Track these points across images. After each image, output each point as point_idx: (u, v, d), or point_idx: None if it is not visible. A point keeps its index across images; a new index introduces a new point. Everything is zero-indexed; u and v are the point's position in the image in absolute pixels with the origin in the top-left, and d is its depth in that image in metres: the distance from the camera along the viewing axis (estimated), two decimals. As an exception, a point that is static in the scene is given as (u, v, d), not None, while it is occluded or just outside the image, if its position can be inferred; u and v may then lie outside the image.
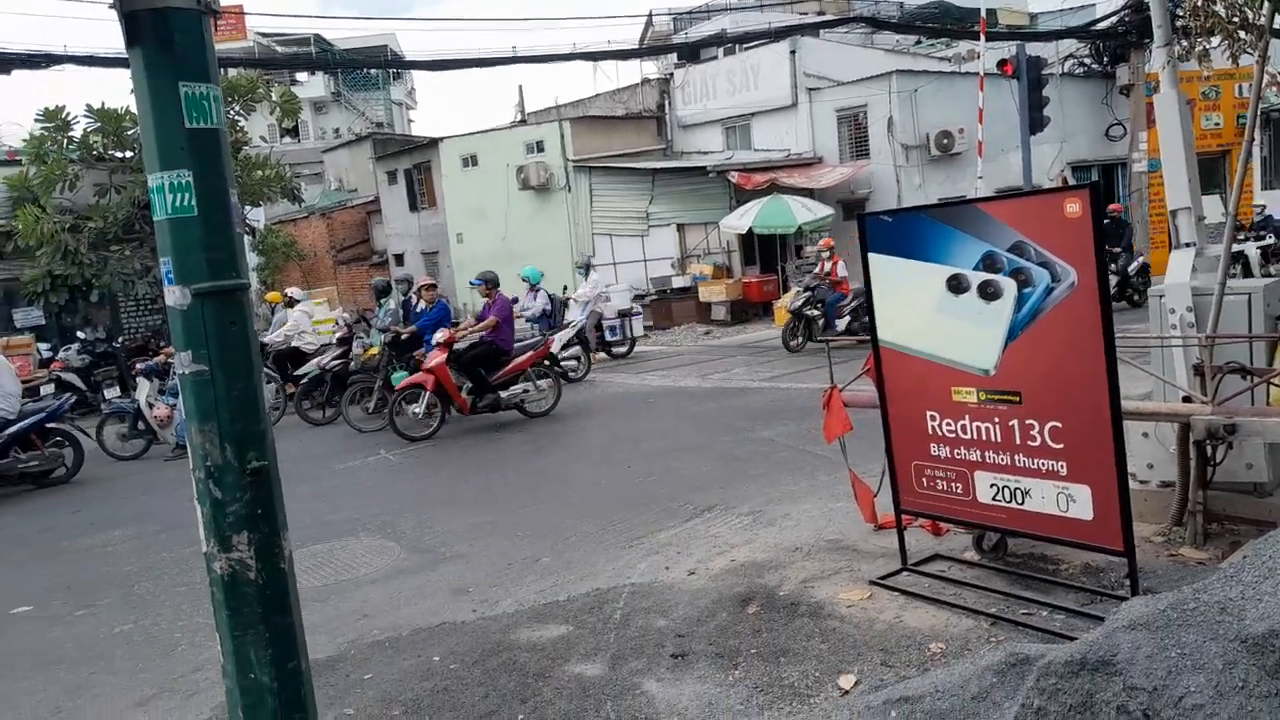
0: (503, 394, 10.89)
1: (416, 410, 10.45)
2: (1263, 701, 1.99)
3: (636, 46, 26.90)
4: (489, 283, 11.24)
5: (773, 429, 9.13)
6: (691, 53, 26.02)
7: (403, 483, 8.70)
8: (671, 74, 25.97)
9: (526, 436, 10.28)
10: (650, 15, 32.16)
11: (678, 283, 21.42)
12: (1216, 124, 22.11)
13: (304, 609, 2.62)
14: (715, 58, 25.57)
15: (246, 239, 25.59)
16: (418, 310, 12.09)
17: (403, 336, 11.67)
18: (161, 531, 7.68)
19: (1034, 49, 17.57)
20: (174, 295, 2.12)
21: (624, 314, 16.85)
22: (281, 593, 2.22)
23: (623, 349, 16.77)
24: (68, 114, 19.53)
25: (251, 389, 2.18)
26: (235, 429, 2.13)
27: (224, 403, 2.12)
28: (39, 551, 7.59)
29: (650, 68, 28.35)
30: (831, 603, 4.62)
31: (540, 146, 23.56)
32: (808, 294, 15.05)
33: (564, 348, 14.00)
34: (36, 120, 19.41)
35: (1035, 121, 15.71)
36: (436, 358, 10.49)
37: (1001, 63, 16.10)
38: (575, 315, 15.38)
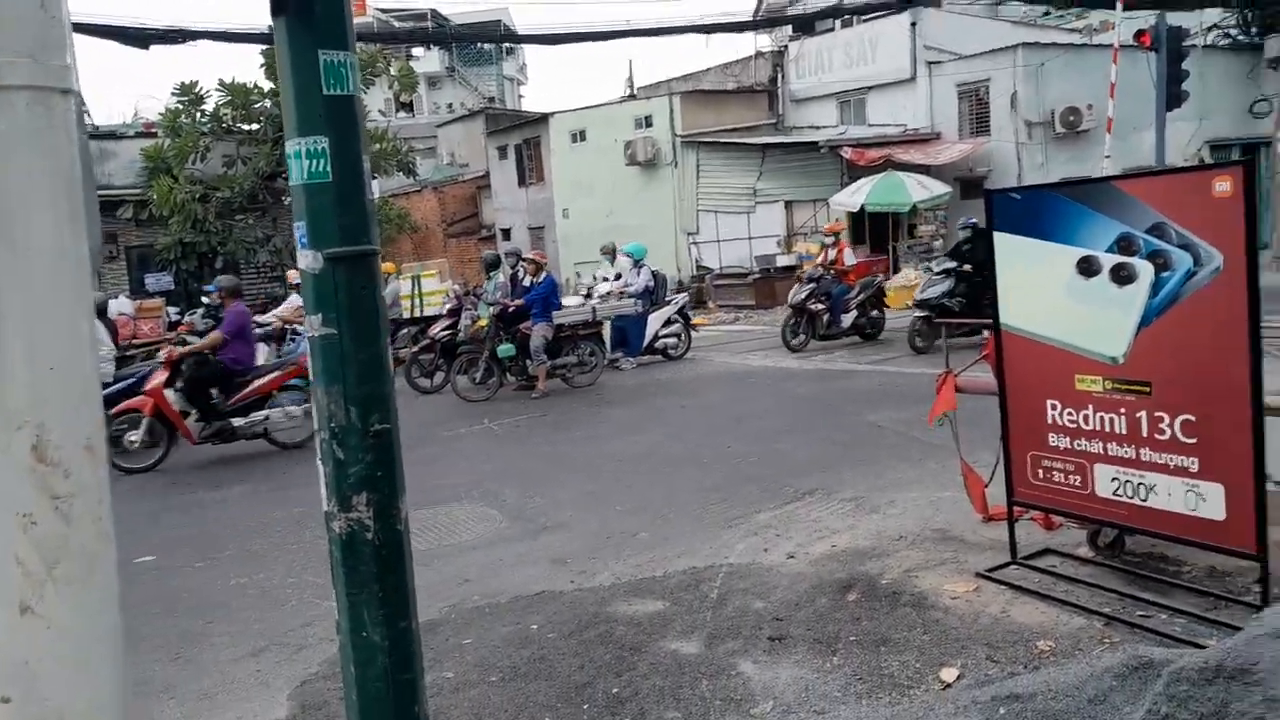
0: (238, 421, 9.36)
1: (133, 439, 8.91)
2: None
3: (751, 19, 26.54)
4: (225, 290, 9.85)
5: (879, 413, 8.94)
6: (807, 25, 25.51)
7: (506, 452, 8.87)
8: (786, 47, 25.56)
9: (628, 412, 10.34)
10: (764, -14, 31.66)
11: (782, 261, 21.16)
12: (1377, 101, 20.55)
13: (411, 571, 2.68)
14: (831, 29, 25.01)
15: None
16: (525, 284, 12.26)
17: (510, 310, 11.86)
18: (275, 490, 8.02)
19: (1175, 19, 16.57)
20: (307, 259, 2.17)
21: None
22: (397, 553, 2.28)
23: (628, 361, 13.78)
24: (201, 88, 20.45)
25: (378, 352, 2.22)
26: (361, 391, 2.18)
27: (351, 365, 2.17)
28: (165, 504, 8.03)
29: (764, 40, 27.97)
30: (935, 593, 4.50)
31: (649, 121, 23.54)
32: (811, 286, 13.82)
33: (665, 325, 14.02)
34: (172, 94, 20.41)
35: (1173, 97, 14.86)
36: (156, 379, 9.19)
37: (1139, 33, 15.26)
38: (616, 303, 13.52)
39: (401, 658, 2.31)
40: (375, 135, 23.35)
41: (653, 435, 9.06)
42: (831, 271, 14.10)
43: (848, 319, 13.94)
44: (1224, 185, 3.55)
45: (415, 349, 13.37)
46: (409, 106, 42.73)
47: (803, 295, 13.80)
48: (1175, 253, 3.73)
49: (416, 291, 15.87)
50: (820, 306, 13.80)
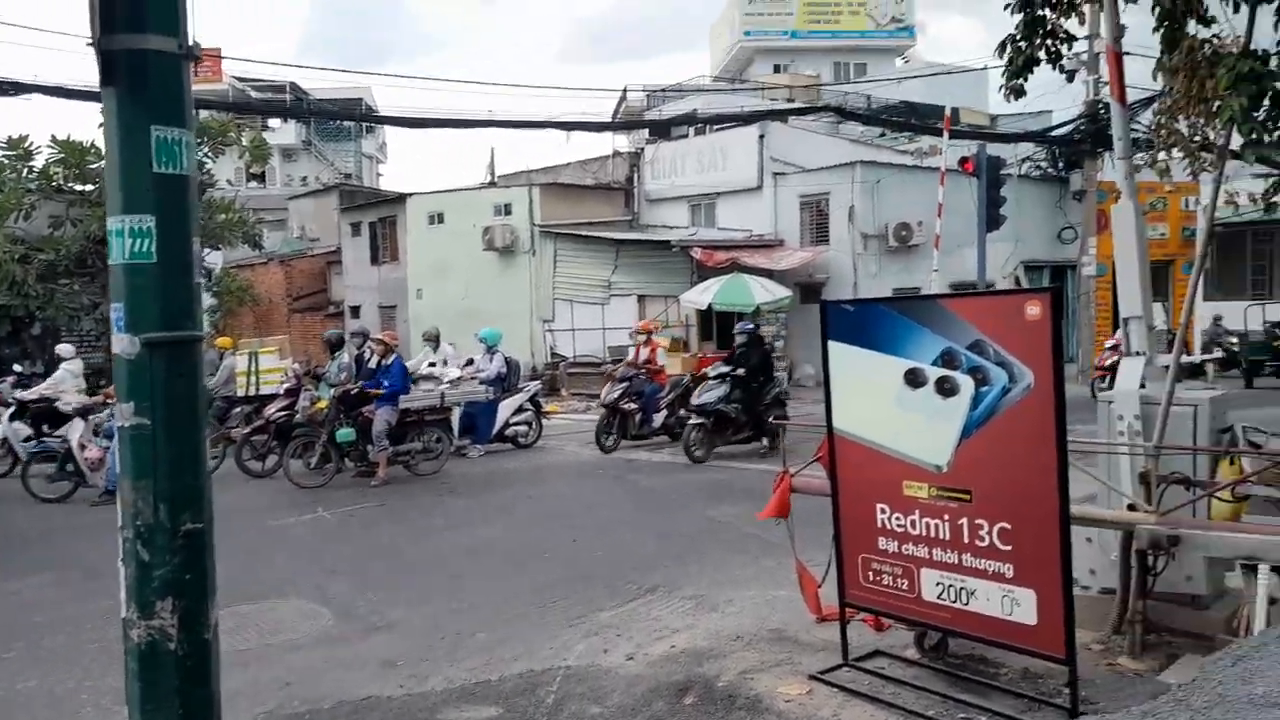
0: None
1: None
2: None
3: (610, 120, 27.39)
4: None
5: (721, 509, 9.07)
6: (663, 130, 26.57)
7: (339, 544, 8.45)
8: (642, 149, 26.46)
9: (472, 503, 10.10)
10: (625, 90, 32.89)
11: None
12: (1162, 235, 23.05)
13: (223, 673, 2.48)
14: (685, 136, 26.13)
15: (201, 282, 25.35)
16: (370, 365, 11.91)
17: (353, 392, 11.47)
18: (79, 581, 7.34)
19: (994, 149, 18.20)
20: (121, 343, 2.04)
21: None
22: (202, 664, 2.11)
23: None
24: (31, 144, 19.30)
25: (194, 446, 2.09)
26: (172, 487, 2.04)
27: (163, 459, 2.03)
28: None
29: (621, 141, 28.87)
30: (770, 696, 4.52)
31: (508, 209, 23.73)
32: (624, 385, 13.33)
33: (516, 412, 13.89)
34: (-1, 148, 19.15)
35: (992, 219, 16.16)
36: None
37: (962, 160, 16.63)
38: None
39: (201, 780, 2.12)
40: (221, 205, 22.54)
41: (496, 528, 8.86)
42: (644, 371, 13.72)
43: (659, 418, 13.55)
44: (1034, 309, 3.85)
45: (248, 430, 12.70)
46: (261, 177, 41.61)
47: (615, 395, 13.29)
48: (993, 369, 3.99)
49: (253, 368, 15.14)
50: (633, 406, 13.36)
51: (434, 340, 14.87)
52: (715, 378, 12.61)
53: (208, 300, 26.73)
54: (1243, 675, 2.37)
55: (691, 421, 12.24)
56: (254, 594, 6.69)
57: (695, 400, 12.55)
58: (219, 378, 14.47)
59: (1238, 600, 4.87)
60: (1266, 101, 4.82)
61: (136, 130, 2.02)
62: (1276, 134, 4.90)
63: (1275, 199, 5.57)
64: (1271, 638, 2.63)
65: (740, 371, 12.31)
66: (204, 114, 23.40)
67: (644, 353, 14.03)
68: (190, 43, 2.04)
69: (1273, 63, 4.87)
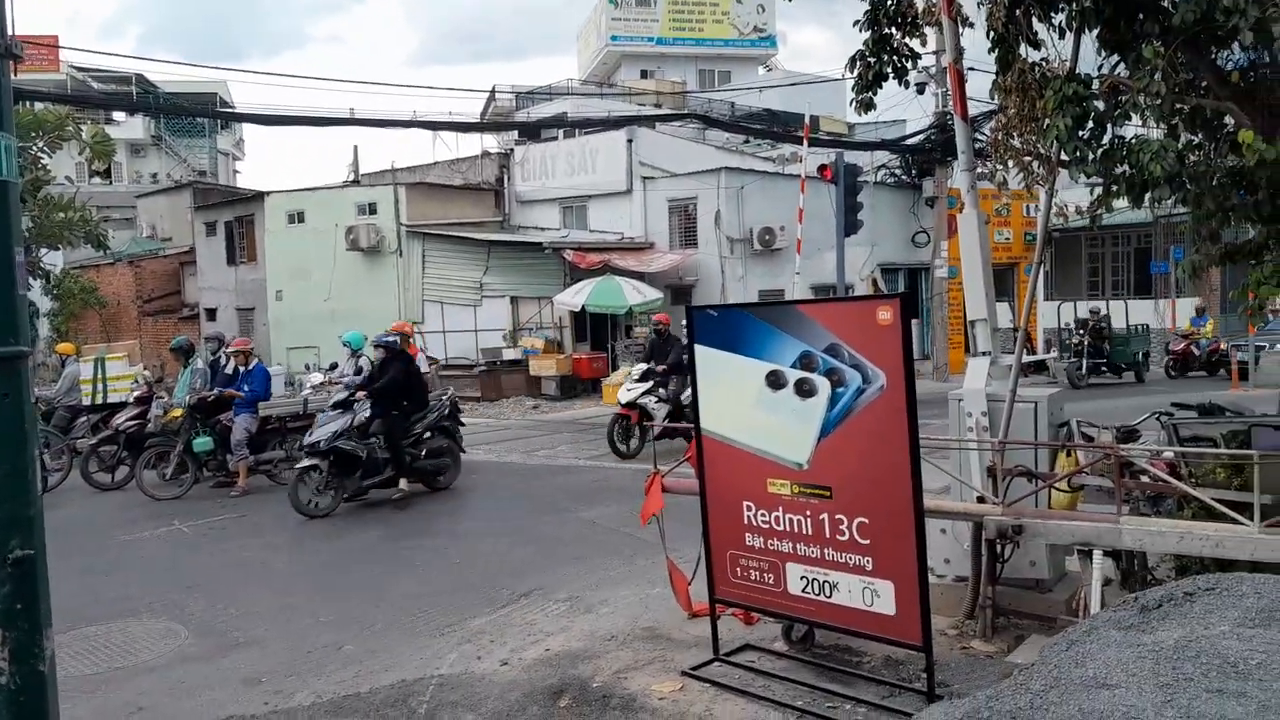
0: None
1: None
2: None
3: (478, 120, 27.08)
4: None
5: (595, 510, 9.10)
6: (532, 131, 26.46)
7: (196, 558, 8.06)
8: (512, 150, 26.27)
9: (336, 513, 9.79)
10: (493, 90, 32.60)
11: (508, 355, 21.31)
12: (1006, 239, 24.44)
13: (68, 701, 2.35)
14: (555, 138, 26.09)
15: (38, 284, 23.66)
16: (227, 372, 11.39)
17: (209, 399, 10.96)
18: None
19: (851, 157, 18.88)
20: (-63, 360, 1.89)
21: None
22: (38, 701, 1.97)
23: None
24: None
25: (22, 467, 1.96)
26: (-1, 513, 1.90)
27: (-14, 483, 1.89)
28: None
29: (491, 141, 28.58)
30: (644, 694, 4.57)
31: (373, 209, 23.11)
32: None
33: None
34: None
35: (850, 224, 16.76)
36: None
37: (821, 167, 17.18)
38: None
39: (37, 822, 1.98)
40: (59, 203, 21.15)
41: (363, 536, 8.63)
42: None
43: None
44: (885, 314, 4.03)
45: (95, 440, 11.96)
46: (106, 173, 39.20)
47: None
48: (848, 371, 4.16)
49: (100, 375, 14.25)
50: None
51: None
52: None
53: (47, 304, 25.02)
54: (1076, 659, 2.55)
55: (301, 465, 9.54)
56: (103, 615, 6.33)
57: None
58: (61, 386, 13.57)
59: (1076, 583, 5.23)
60: (1090, 122, 5.19)
61: (-48, 133, 1.88)
62: (1099, 151, 5.28)
63: (1098, 212, 6.00)
64: (1100, 621, 2.84)
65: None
66: (39, 106, 21.89)
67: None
68: (10, 38, 1.91)
69: (1095, 85, 5.25)
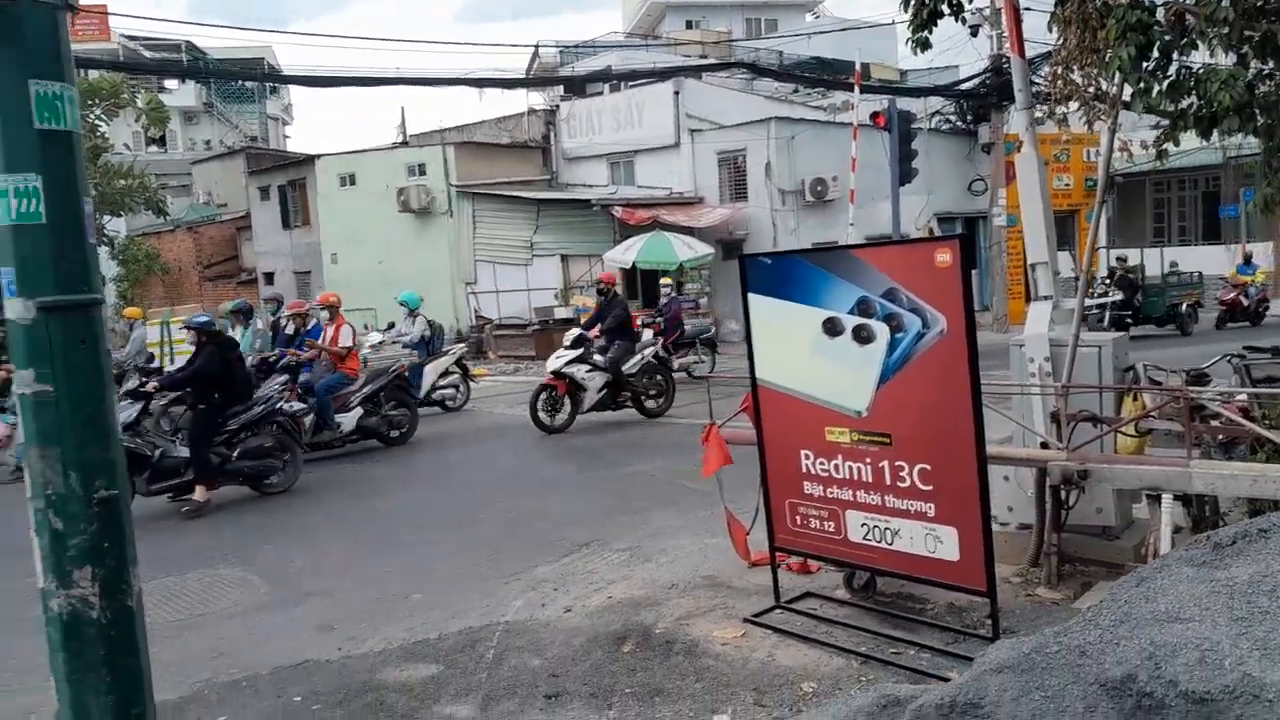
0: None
1: None
2: (1120, 743, 2.07)
3: (523, 76, 26.95)
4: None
5: (652, 463, 9.15)
6: (577, 86, 26.25)
7: (267, 513, 8.28)
8: (557, 106, 26.10)
9: (398, 468, 9.99)
10: (537, 46, 32.38)
11: (560, 313, 21.39)
12: (1066, 185, 23.76)
13: (154, 645, 2.43)
14: (601, 93, 25.85)
15: (104, 250, 24.27)
16: (288, 332, 11.61)
17: (271, 360, 11.19)
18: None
19: (904, 104, 18.44)
20: (15, 308, 1.95)
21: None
22: (128, 633, 2.05)
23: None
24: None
25: (102, 412, 2.01)
26: (82, 455, 1.96)
27: (69, 426, 1.95)
28: None
29: (536, 98, 28.44)
30: (706, 640, 4.61)
31: (422, 169, 23.22)
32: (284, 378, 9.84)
33: (442, 375, 13.73)
34: None
35: (904, 173, 16.43)
36: None
37: (874, 115, 16.82)
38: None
39: (132, 750, 2.07)
40: (120, 171, 21.60)
41: (427, 491, 8.79)
42: (323, 356, 10.79)
43: (348, 419, 10.52)
44: (944, 256, 3.95)
45: (165, 402, 12.30)
46: (160, 141, 39.89)
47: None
48: (907, 315, 4.09)
49: (166, 338, 14.65)
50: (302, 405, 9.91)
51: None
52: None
53: (113, 269, 25.67)
54: (1146, 594, 2.50)
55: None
56: (183, 566, 6.56)
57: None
58: (130, 349, 13.98)
59: (1145, 529, 5.14)
60: (1154, 53, 4.96)
61: (13, 85, 1.92)
62: (1165, 83, 5.06)
63: (1164, 147, 5.77)
64: (1172, 559, 2.78)
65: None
66: (94, 74, 22.28)
67: (329, 332, 10.86)
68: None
69: (1159, 13, 5.02)
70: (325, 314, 11.03)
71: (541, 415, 11.04)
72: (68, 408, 1.95)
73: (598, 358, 11.26)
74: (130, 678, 2.07)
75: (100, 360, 2.02)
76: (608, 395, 11.33)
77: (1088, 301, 19.74)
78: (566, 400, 11.15)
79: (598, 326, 11.53)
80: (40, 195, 1.92)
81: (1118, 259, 19.53)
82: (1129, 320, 18.49)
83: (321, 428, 10.30)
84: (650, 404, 11.84)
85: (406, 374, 11.39)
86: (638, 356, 11.67)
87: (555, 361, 11.18)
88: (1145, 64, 4.93)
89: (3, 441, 10.72)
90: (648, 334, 13.74)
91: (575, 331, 11.58)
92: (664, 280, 17.51)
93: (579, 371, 11.12)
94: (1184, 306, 19.24)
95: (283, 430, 9.09)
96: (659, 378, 12.04)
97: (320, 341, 10.85)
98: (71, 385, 1.96)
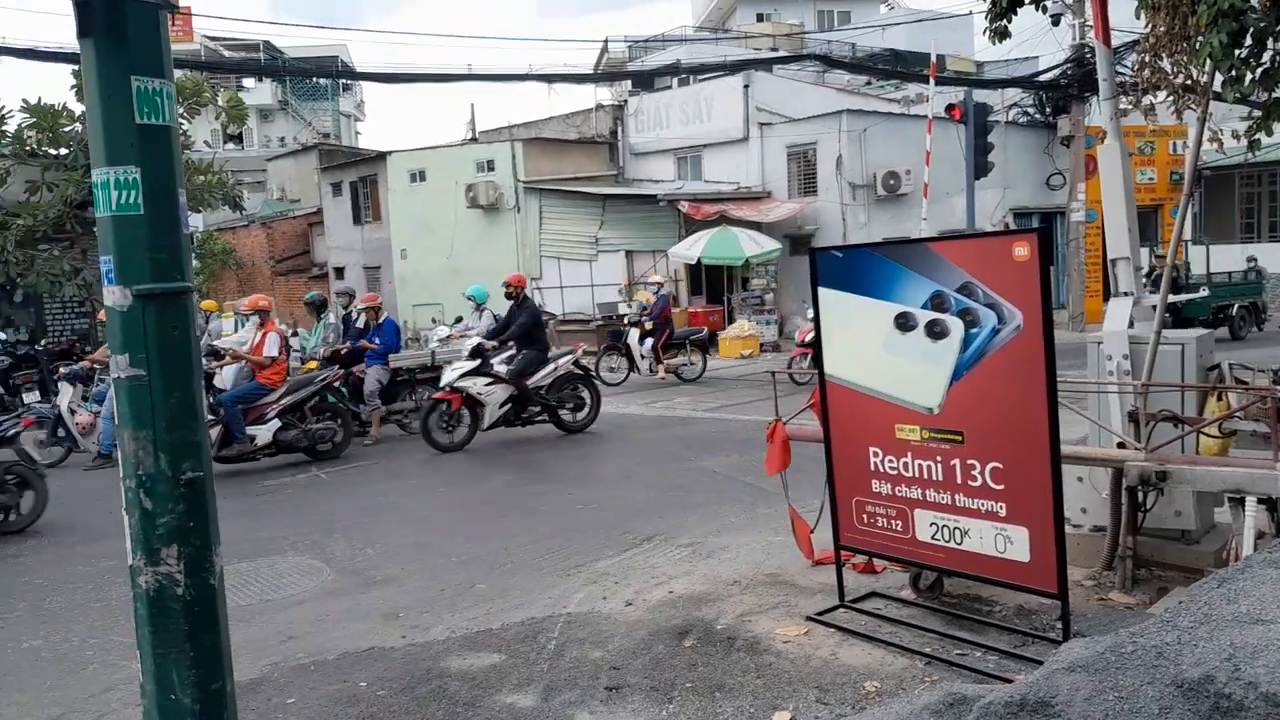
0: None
1: None
2: (1198, 747, 2.01)
3: (591, 72, 27.08)
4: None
5: (714, 459, 9.13)
6: (646, 81, 26.28)
7: (334, 502, 8.49)
8: (625, 101, 26.17)
9: (463, 459, 10.13)
10: (606, 42, 32.52)
11: (624, 309, 21.47)
12: (1150, 179, 23.00)
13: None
14: (669, 87, 25.84)
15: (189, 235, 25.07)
16: (359, 326, 11.86)
17: (343, 351, 11.44)
18: (78, 544, 7.37)
19: (981, 96, 18.09)
20: (114, 295, 2.03)
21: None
22: (210, 610, 2.13)
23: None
24: (2, 108, 18.97)
25: (190, 396, 2.09)
26: (171, 437, 2.04)
27: (161, 409, 2.03)
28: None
29: (604, 93, 28.55)
30: (768, 637, 4.59)
31: (491, 166, 23.50)
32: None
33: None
34: (-32, 115, 18.81)
35: (980, 166, 16.13)
36: None
37: (949, 107, 16.54)
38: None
39: (213, 723, 2.15)
40: (199, 167, 22.27)
41: (490, 483, 8.90)
42: (248, 366, 10.17)
43: (263, 431, 9.80)
44: (1022, 250, 3.86)
45: (238, 392, 12.65)
46: (238, 138, 41.05)
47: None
48: (982, 310, 4.01)
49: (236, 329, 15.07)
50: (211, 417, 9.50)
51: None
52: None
53: (193, 262, 26.58)
54: (1227, 595, 2.42)
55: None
56: (252, 552, 6.74)
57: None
58: (205, 341, 14.40)
59: (1226, 534, 4.96)
60: (1248, 39, 4.78)
61: (116, 81, 2.00)
62: (1259, 71, 4.87)
63: (1257, 137, 5.55)
64: (1256, 560, 2.69)
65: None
66: (177, 74, 23.01)
67: (250, 336, 10.32)
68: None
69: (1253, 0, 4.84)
70: (256, 318, 10.26)
71: (435, 435, 10.22)
72: (160, 391, 2.03)
73: (500, 369, 10.47)
74: (211, 654, 2.15)
75: (190, 346, 2.10)
76: (511, 410, 10.54)
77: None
78: (466, 415, 10.36)
79: (499, 336, 10.81)
80: (139, 187, 2.00)
81: (1156, 256, 18.13)
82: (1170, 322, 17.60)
83: (230, 440, 9.64)
84: (568, 417, 11.05)
85: (340, 384, 10.74)
86: (550, 367, 10.85)
87: (450, 374, 10.32)
88: (1238, 51, 4.75)
89: (85, 429, 11.14)
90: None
91: (474, 340, 10.73)
92: (651, 277, 17.06)
93: (475, 385, 10.28)
94: (1235, 309, 18.22)
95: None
96: (579, 389, 11.19)
97: (244, 349, 10.14)
98: (163, 369, 2.03)
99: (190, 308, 2.11)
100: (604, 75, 26.62)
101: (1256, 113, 5.33)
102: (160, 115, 2.03)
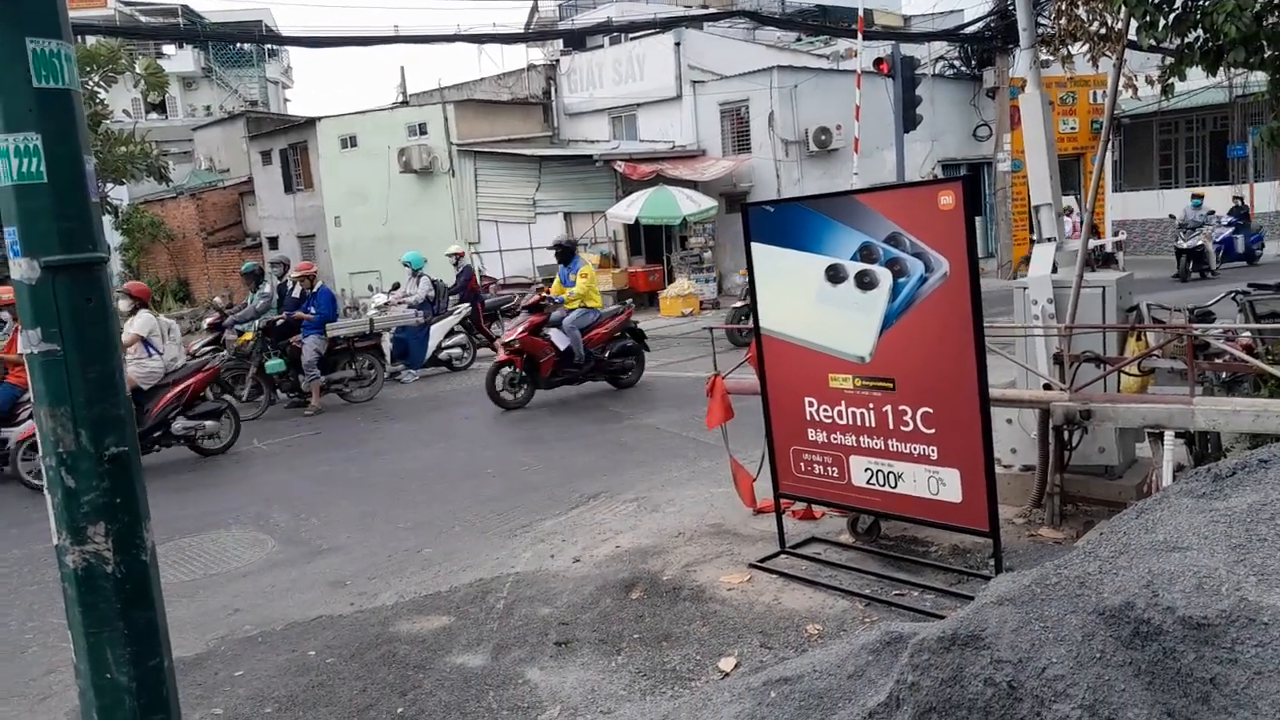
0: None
1: None
2: (1118, 670, 2.12)
3: (522, 31, 26.62)
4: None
5: (657, 416, 9.21)
6: (577, 40, 25.91)
7: (277, 474, 8.39)
8: (557, 61, 25.80)
9: (409, 427, 10.07)
10: (536, 1, 31.91)
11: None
12: (1072, 128, 23.44)
13: (170, 604, 2.49)
14: (601, 46, 25.53)
15: (107, 219, 24.26)
16: (294, 296, 11.65)
17: (278, 323, 11.23)
18: (10, 527, 7.18)
19: (907, 50, 18.18)
20: (20, 268, 1.97)
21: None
22: (142, 586, 2.10)
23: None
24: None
25: (110, 370, 2.04)
26: (91, 413, 2.00)
27: (78, 384, 1.98)
28: None
29: (536, 54, 28.11)
30: (713, 586, 4.69)
31: (423, 129, 23.05)
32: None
33: (448, 336, 13.77)
34: None
35: (909, 120, 16.26)
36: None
37: (877, 61, 16.60)
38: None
39: (152, 698, 2.13)
40: (120, 138, 21.49)
41: (435, 449, 8.87)
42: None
43: (15, 435, 8.39)
44: (947, 199, 3.93)
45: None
46: (161, 107, 39.62)
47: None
48: (909, 260, 4.09)
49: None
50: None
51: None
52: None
53: (117, 239, 25.66)
54: (1145, 525, 2.53)
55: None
56: (194, 528, 6.66)
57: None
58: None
59: (1147, 468, 5.18)
60: None
61: (10, 44, 1.92)
62: (1171, 17, 4.98)
63: (1170, 82, 5.68)
64: (1172, 491, 2.81)
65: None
66: (90, 40, 22.08)
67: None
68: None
69: None
70: (4, 315, 9.04)
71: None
72: (76, 366, 1.97)
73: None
74: (147, 630, 2.12)
75: (107, 318, 2.04)
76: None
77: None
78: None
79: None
80: (41, 154, 1.93)
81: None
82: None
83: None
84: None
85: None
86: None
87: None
88: (1151, -4, 4.85)
89: None
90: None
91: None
92: (452, 248, 16.19)
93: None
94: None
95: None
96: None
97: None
98: (80, 344, 1.98)
99: (105, 278, 2.05)
100: (534, 35, 26.17)
101: (1170, 59, 5.45)
102: (59, 78, 1.95)
